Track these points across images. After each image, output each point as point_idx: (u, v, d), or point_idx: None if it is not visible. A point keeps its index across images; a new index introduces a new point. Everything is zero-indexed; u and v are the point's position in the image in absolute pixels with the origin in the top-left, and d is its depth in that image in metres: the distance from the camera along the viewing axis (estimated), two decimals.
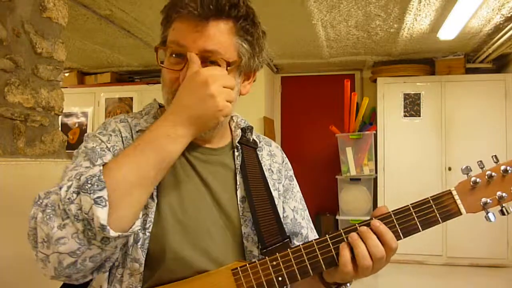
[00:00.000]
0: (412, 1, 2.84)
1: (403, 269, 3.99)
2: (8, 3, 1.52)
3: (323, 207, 4.74)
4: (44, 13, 1.69)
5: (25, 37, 1.60)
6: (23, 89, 1.59)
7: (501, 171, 0.77)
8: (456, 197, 0.77)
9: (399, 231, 0.78)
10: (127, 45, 3.88)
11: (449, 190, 0.78)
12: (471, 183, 0.77)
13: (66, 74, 4.83)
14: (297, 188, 1.04)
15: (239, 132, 0.95)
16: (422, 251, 4.03)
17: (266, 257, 0.78)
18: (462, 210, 0.77)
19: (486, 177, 0.77)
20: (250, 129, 0.99)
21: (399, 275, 3.84)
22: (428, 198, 0.78)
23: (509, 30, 3.30)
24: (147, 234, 0.80)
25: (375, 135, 4.22)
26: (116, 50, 4.07)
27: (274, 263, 0.77)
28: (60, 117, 1.81)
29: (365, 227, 0.77)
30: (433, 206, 0.77)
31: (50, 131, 1.73)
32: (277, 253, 0.78)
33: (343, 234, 0.77)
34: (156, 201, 0.81)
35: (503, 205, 0.76)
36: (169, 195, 0.84)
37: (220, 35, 0.81)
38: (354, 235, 0.76)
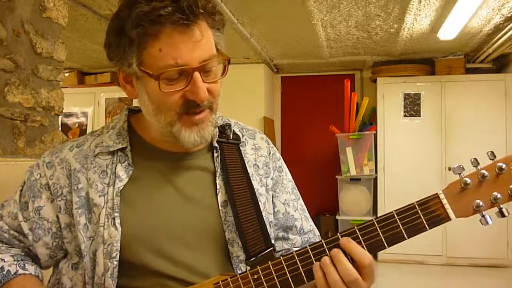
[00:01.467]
0: (412, 1, 2.84)
1: (403, 269, 3.99)
2: (8, 3, 1.52)
3: (323, 207, 4.73)
4: (44, 13, 1.68)
5: (25, 37, 1.60)
6: (23, 89, 1.59)
7: (495, 170, 0.71)
8: (444, 201, 0.71)
9: (383, 240, 0.72)
10: None
11: (436, 193, 0.72)
12: (461, 184, 0.71)
13: (66, 74, 4.83)
14: (287, 177, 1.00)
15: (216, 131, 0.91)
16: (422, 251, 4.03)
17: (247, 270, 0.76)
18: (451, 215, 0.71)
19: (479, 177, 0.71)
20: (228, 126, 0.94)
21: (399, 275, 3.84)
22: (413, 203, 0.73)
23: (509, 30, 3.29)
24: (115, 263, 0.78)
25: (375, 135, 4.22)
26: None
27: (255, 276, 0.75)
28: (60, 117, 1.81)
29: (336, 249, 0.72)
30: (419, 211, 0.71)
31: (50, 131, 1.73)
32: (257, 266, 0.75)
33: (324, 245, 0.73)
34: (119, 229, 0.79)
35: (501, 206, 0.70)
36: (139, 215, 0.82)
37: (206, 36, 0.77)
38: (326, 259, 0.71)
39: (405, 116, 4.25)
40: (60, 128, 1.81)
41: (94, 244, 0.81)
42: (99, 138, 0.89)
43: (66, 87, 4.60)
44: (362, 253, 0.71)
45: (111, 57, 0.82)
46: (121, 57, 0.78)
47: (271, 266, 0.75)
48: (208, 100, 0.79)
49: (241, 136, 0.96)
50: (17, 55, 1.56)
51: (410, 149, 4.21)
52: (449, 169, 4.09)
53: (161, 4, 0.71)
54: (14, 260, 0.84)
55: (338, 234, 0.74)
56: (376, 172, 4.23)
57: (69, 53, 3.40)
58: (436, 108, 4.19)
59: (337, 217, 4.29)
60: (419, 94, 4.22)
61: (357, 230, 0.73)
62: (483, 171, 0.71)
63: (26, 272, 0.84)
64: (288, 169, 1.04)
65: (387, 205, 4.19)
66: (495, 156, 0.73)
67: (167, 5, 0.71)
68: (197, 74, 0.76)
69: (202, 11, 0.75)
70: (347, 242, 0.72)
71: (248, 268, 0.79)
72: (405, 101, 4.24)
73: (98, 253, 0.80)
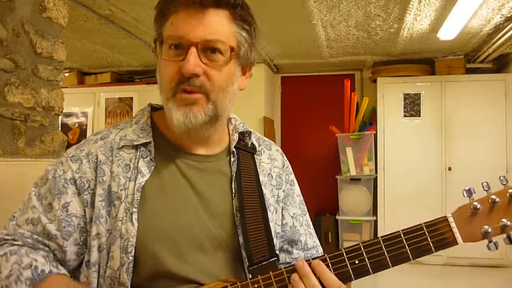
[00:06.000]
0: (412, 1, 2.84)
1: (403, 269, 3.98)
2: (8, 3, 1.52)
3: (323, 207, 4.73)
4: (44, 13, 1.69)
5: (25, 37, 1.60)
6: (23, 89, 1.59)
7: (507, 196, 0.69)
8: (453, 224, 0.71)
9: (388, 258, 0.71)
10: (127, 45, 3.88)
11: (445, 216, 0.72)
12: (471, 209, 0.70)
13: (66, 74, 4.83)
14: (297, 192, 1.01)
15: (236, 136, 0.93)
16: None
17: (248, 279, 0.76)
18: (459, 239, 0.71)
19: (489, 202, 0.70)
20: (249, 133, 0.95)
21: (399, 275, 3.84)
22: (421, 224, 0.72)
23: (509, 30, 3.30)
24: (130, 258, 0.78)
25: (375, 135, 4.22)
26: (116, 50, 4.07)
27: (256, 286, 0.75)
28: (60, 117, 1.81)
29: (306, 268, 0.72)
30: (427, 233, 0.71)
31: (50, 131, 1.73)
32: (259, 275, 0.75)
33: (328, 259, 0.74)
34: (136, 224, 0.79)
35: (510, 233, 0.70)
36: (157, 213, 0.82)
37: (220, 23, 0.79)
38: (295, 276, 0.73)
39: (405, 116, 4.25)
40: (60, 128, 1.82)
41: (111, 238, 0.81)
42: (122, 131, 0.89)
43: (66, 87, 4.60)
44: (329, 278, 0.71)
45: (155, 30, 0.86)
46: (155, 29, 0.85)
47: (272, 277, 0.75)
48: (202, 84, 0.80)
49: (257, 146, 0.97)
50: (17, 55, 1.56)
51: (410, 149, 4.21)
52: (449, 169, 4.09)
53: None
54: (46, 261, 0.81)
55: (342, 249, 0.74)
56: (376, 172, 4.22)
57: (69, 53, 3.40)
58: (436, 108, 4.19)
59: (337, 217, 4.28)
60: (419, 94, 4.22)
61: (362, 247, 0.73)
62: (494, 197, 0.70)
63: (61, 271, 0.81)
64: None
65: (387, 205, 4.18)
66: (507, 181, 0.71)
67: None
68: (193, 49, 0.78)
69: (220, 0, 0.79)
70: (318, 264, 0.73)
71: (250, 276, 0.79)
72: (405, 101, 4.24)
73: (115, 247, 0.80)
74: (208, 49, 0.79)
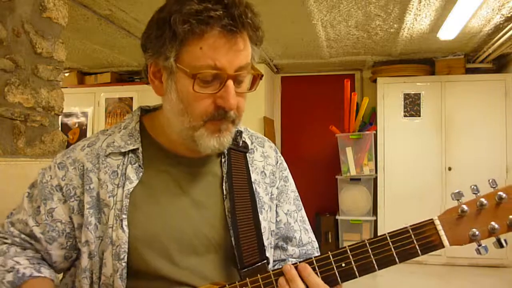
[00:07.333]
0: (412, 1, 2.84)
1: (403, 269, 3.99)
2: (8, 3, 1.52)
3: (323, 207, 4.74)
4: (44, 13, 1.69)
5: (25, 37, 1.60)
6: (23, 89, 1.59)
7: (495, 199, 0.69)
8: (439, 227, 0.70)
9: (374, 262, 0.71)
10: (127, 45, 3.88)
11: (431, 219, 0.71)
12: (459, 211, 0.70)
13: (66, 74, 4.83)
14: (292, 187, 1.00)
15: None
16: None
17: (237, 282, 0.77)
18: (445, 242, 0.70)
19: (477, 204, 0.69)
20: (239, 133, 0.94)
21: (399, 275, 3.84)
22: (407, 227, 0.71)
23: (509, 30, 3.30)
24: (123, 264, 0.79)
25: (375, 135, 4.22)
26: (116, 50, 4.07)
27: None
28: (60, 117, 1.81)
29: (293, 272, 0.73)
30: (412, 236, 0.71)
31: (50, 131, 1.73)
32: (247, 278, 0.76)
33: (314, 262, 0.74)
34: (126, 231, 0.79)
35: (500, 236, 0.69)
36: (148, 218, 0.82)
37: (246, 47, 0.78)
38: (282, 280, 0.73)
39: (405, 116, 4.25)
40: (60, 128, 1.82)
41: (103, 244, 0.81)
42: (110, 137, 0.88)
43: (66, 87, 4.60)
44: (315, 282, 0.72)
45: (147, 48, 0.82)
46: (158, 49, 0.78)
47: (260, 280, 0.75)
48: (234, 113, 0.79)
49: (250, 144, 0.96)
50: (17, 55, 1.56)
51: (410, 149, 4.21)
52: (449, 169, 4.09)
53: (213, 7, 0.72)
54: (30, 264, 0.83)
55: (329, 252, 0.74)
56: (376, 172, 4.23)
57: (69, 53, 3.40)
58: (436, 108, 4.19)
59: (337, 217, 4.29)
60: (419, 94, 4.22)
61: (348, 250, 0.73)
62: (482, 199, 0.70)
63: (41, 275, 0.83)
64: (288, 168, 1.03)
65: (387, 205, 4.18)
66: (496, 184, 0.70)
67: (219, 9, 0.72)
68: (230, 82, 0.76)
69: (249, 22, 0.76)
70: (304, 269, 0.73)
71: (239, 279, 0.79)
72: (405, 101, 4.25)
73: (107, 254, 0.80)
74: (238, 79, 0.78)
